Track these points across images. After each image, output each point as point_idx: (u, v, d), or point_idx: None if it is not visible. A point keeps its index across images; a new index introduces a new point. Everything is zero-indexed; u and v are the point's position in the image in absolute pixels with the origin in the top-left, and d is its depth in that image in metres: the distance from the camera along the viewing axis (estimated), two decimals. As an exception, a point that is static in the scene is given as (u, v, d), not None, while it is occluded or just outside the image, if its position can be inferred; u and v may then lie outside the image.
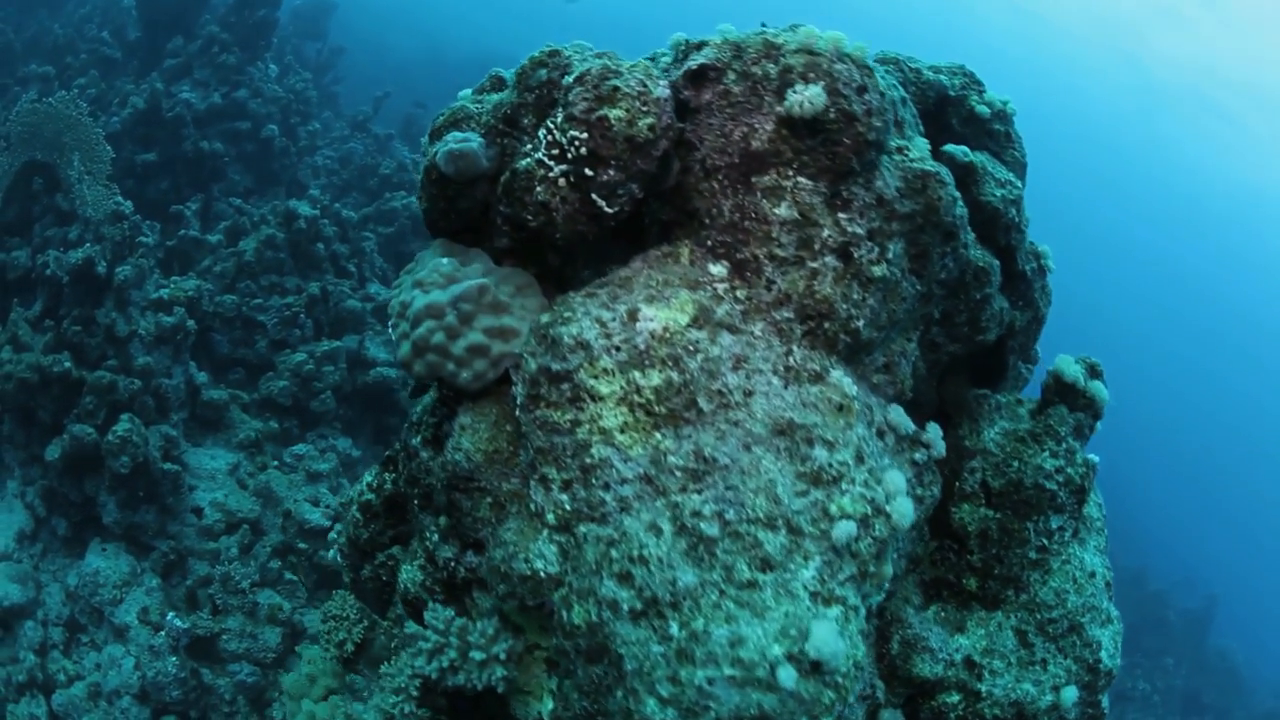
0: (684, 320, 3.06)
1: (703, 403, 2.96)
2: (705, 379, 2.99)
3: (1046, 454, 3.69)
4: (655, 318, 3.05)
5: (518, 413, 3.24)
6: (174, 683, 10.39)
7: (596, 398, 3.01)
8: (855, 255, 3.19)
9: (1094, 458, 3.83)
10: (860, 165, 3.22)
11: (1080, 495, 3.77)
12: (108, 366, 11.14)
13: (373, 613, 4.68)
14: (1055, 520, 3.71)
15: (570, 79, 3.31)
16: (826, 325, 3.16)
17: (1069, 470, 3.71)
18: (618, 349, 3.03)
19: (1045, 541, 3.71)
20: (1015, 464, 3.68)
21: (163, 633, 10.55)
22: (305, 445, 13.13)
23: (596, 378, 3.02)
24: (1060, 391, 3.86)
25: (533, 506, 3.17)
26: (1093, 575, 3.80)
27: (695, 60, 3.40)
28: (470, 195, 3.68)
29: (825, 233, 3.17)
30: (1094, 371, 3.94)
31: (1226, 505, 51.06)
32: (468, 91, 4.03)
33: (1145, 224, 71.77)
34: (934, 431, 3.55)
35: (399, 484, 4.22)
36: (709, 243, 3.28)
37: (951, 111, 4.39)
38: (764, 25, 3.54)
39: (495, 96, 3.86)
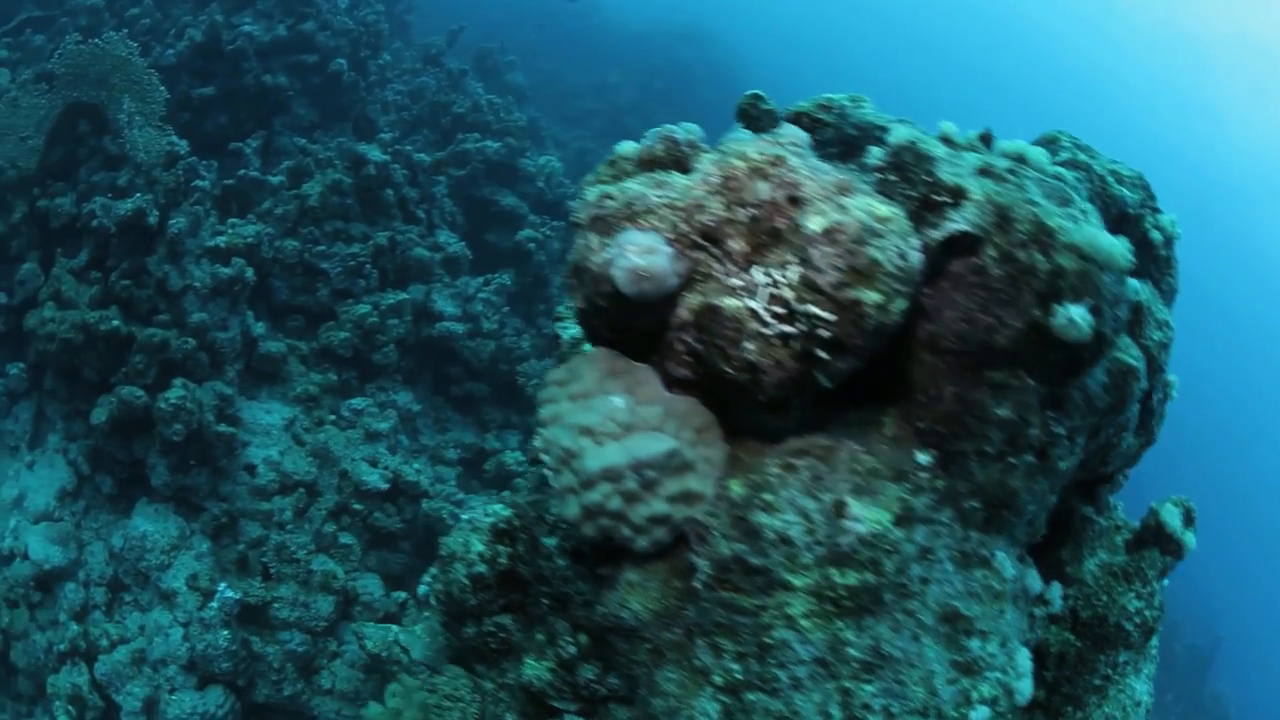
0: (889, 520, 2.98)
1: (888, 597, 2.97)
2: (895, 575, 2.98)
3: (1133, 595, 3.90)
4: (863, 519, 2.95)
5: (696, 584, 3.08)
6: (224, 655, 9.90)
7: (788, 588, 2.95)
8: (1051, 454, 3.16)
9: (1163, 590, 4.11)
10: (1089, 371, 3.20)
11: (1149, 635, 4.00)
12: (159, 322, 10.52)
13: (477, 674, 4.40)
14: (1123, 655, 3.95)
15: (812, 226, 2.74)
16: (1005, 513, 3.18)
17: (1147, 613, 3.92)
18: (820, 544, 2.94)
19: (1110, 672, 3.93)
20: (1105, 599, 3.89)
21: (214, 604, 10.02)
22: (364, 399, 12.51)
23: (793, 572, 2.95)
24: (1157, 536, 4.02)
25: (697, 664, 3.11)
26: (1139, 704, 4.01)
27: (954, 226, 2.92)
28: (651, 315, 3.03)
29: (1033, 432, 3.10)
30: (1189, 518, 4.07)
31: (1245, 542, 48.66)
32: (631, 147, 3.18)
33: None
34: (1055, 592, 3.70)
35: (518, 566, 3.99)
36: (920, 425, 3.09)
37: (1127, 231, 3.97)
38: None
39: (680, 181, 3.00)
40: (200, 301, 10.93)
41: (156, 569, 10.27)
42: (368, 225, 13.13)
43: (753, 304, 2.82)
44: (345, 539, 11.06)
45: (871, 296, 2.72)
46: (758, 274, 2.84)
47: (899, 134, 3.13)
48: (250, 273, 11.36)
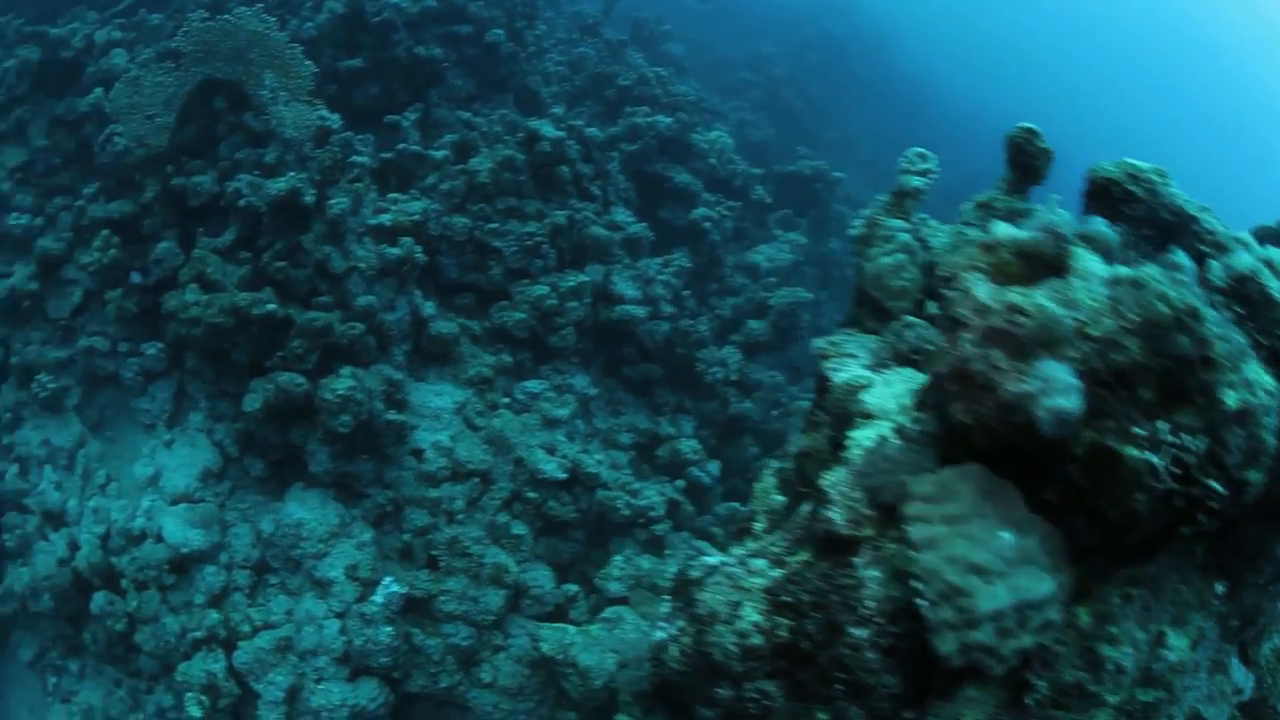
0: (1186, 646, 3.39)
1: (1171, 710, 3.43)
2: (1179, 690, 3.43)
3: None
4: (1175, 648, 3.36)
5: (1029, 701, 3.29)
6: (385, 650, 9.44)
7: (1102, 705, 3.25)
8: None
9: None
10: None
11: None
12: (321, 305, 10.02)
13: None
14: (1266, 738, 4.33)
15: (1229, 402, 2.98)
16: (1249, 627, 3.77)
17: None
18: (1141, 670, 3.32)
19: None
20: (1270, 681, 4.13)
21: (377, 598, 9.53)
22: (539, 382, 11.89)
23: (1115, 692, 3.26)
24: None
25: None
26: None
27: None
28: (1040, 443, 3.00)
29: (1287, 563, 3.68)
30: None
31: None
32: (1011, 235, 3.16)
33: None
34: (1247, 682, 3.91)
35: (801, 642, 3.59)
36: (1221, 558, 3.47)
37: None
38: None
39: (1086, 301, 3.03)
40: (365, 283, 10.40)
41: (312, 557, 9.85)
42: (542, 202, 12.48)
43: (1154, 459, 2.92)
44: (517, 528, 10.47)
45: (1257, 477, 3.05)
46: (1164, 431, 2.95)
47: (1241, 261, 3.41)
48: (419, 252, 10.82)
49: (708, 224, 15.26)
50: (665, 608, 4.05)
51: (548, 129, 12.63)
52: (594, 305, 12.46)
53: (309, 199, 9.90)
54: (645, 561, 10.29)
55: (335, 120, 10.96)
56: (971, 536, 3.08)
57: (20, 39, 11.99)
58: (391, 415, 10.07)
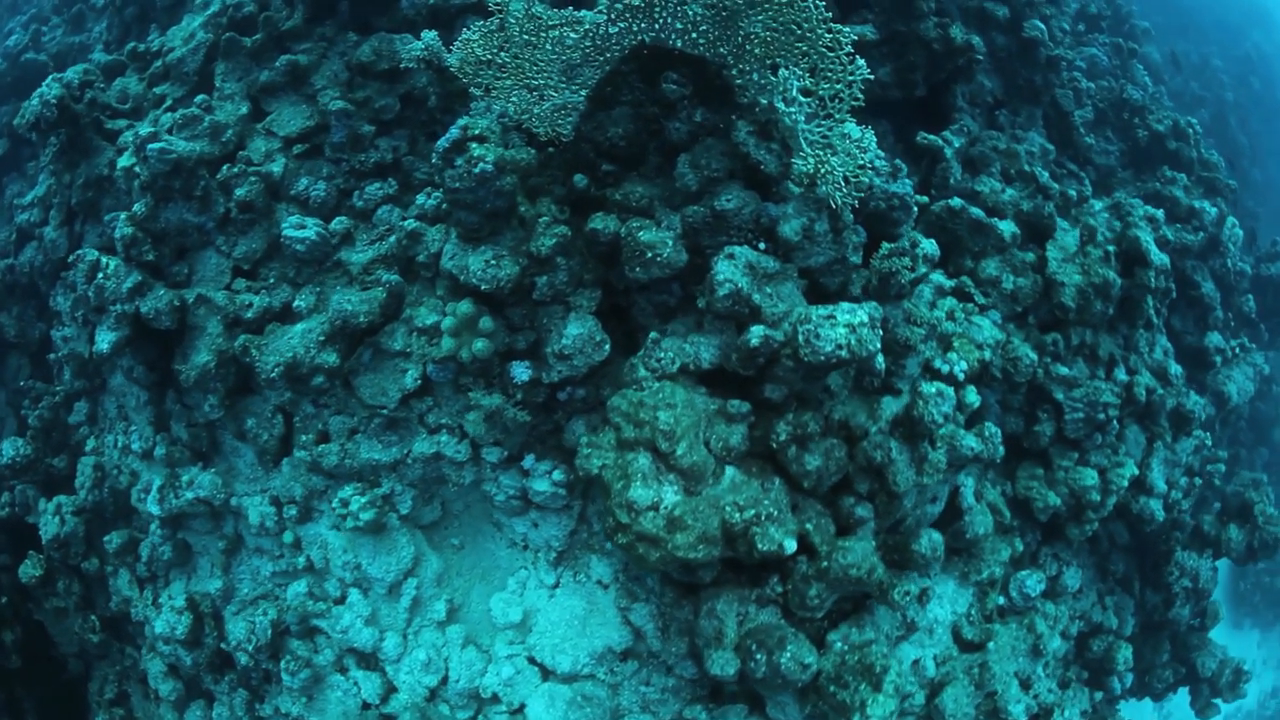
0: None
1: None
2: None
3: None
4: None
5: None
6: None
7: None
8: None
9: None
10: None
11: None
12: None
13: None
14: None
15: None
16: None
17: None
18: None
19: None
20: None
21: None
22: (1037, 577, 8.59)
23: None
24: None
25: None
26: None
27: None
28: None
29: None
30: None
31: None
32: None
33: None
34: None
35: None
36: None
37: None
38: None
39: None
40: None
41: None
42: (1118, 341, 8.89)
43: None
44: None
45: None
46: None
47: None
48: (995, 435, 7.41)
49: (1229, 383, 11.50)
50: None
51: (1151, 246, 8.86)
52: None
53: (878, 363, 6.44)
54: None
55: (906, 184, 7.19)
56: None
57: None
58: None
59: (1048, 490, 8.48)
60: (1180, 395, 9.56)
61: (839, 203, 6.30)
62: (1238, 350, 12.09)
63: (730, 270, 6.27)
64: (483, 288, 6.55)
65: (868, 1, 10.46)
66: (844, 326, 5.94)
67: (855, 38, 6.24)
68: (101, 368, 8.37)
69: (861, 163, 6.27)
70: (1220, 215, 12.15)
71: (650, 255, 6.41)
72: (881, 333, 6.30)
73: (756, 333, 6.17)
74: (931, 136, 9.63)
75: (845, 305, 6.11)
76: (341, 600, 7.59)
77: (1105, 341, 8.72)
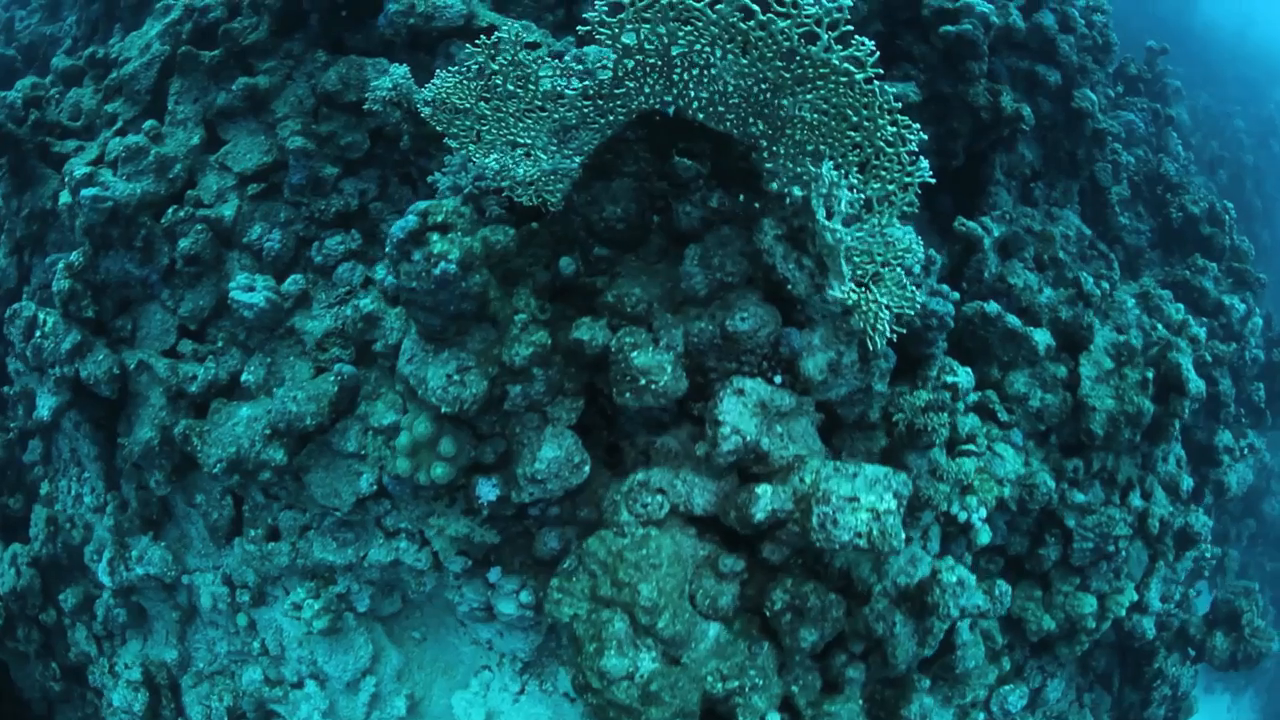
0: None
1: None
2: None
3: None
4: None
5: None
6: None
7: None
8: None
9: None
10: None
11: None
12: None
13: None
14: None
15: None
16: None
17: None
18: None
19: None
20: None
21: None
22: (1019, 692, 7.96)
23: None
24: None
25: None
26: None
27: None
28: None
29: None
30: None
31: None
32: None
33: None
34: None
35: None
36: None
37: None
38: None
39: None
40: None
41: None
42: (1137, 461, 8.12)
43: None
44: None
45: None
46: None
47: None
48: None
49: (1230, 474, 10.79)
50: None
51: (1191, 375, 8.01)
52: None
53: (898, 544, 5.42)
54: None
55: (948, 304, 6.38)
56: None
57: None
58: None
59: (1044, 613, 7.83)
60: (1189, 514, 8.85)
61: (878, 344, 5.37)
62: (1245, 451, 11.52)
63: (738, 414, 5.31)
64: (443, 409, 5.55)
65: (911, 54, 9.53)
66: (867, 512, 5.02)
67: (899, 105, 5.03)
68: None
69: (909, 296, 5.33)
70: (1248, 312, 11.42)
71: (644, 382, 5.39)
72: (904, 510, 5.38)
73: (763, 505, 5.19)
74: (971, 224, 8.69)
75: (870, 475, 5.19)
76: (299, 685, 6.89)
77: (1126, 465, 7.96)
